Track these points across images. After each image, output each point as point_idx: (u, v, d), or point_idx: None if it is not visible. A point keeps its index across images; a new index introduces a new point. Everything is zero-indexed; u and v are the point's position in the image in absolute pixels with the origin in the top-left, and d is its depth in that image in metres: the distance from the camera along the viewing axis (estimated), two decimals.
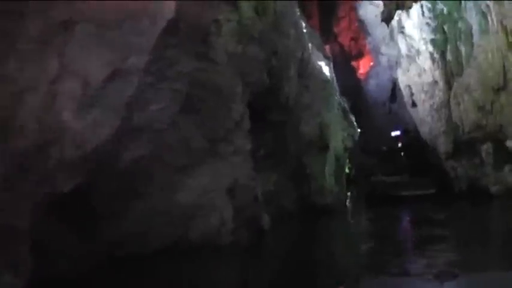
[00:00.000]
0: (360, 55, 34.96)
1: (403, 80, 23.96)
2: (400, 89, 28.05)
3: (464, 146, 20.11)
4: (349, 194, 23.34)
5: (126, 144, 8.84)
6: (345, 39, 35.92)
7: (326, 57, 22.51)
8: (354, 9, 33.23)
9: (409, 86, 23.33)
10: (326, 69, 20.73)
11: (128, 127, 8.75)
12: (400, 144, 31.11)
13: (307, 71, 18.64)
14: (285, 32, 16.99)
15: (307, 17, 26.37)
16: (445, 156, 21.05)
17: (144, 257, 9.65)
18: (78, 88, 7.89)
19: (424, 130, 23.26)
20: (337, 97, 20.89)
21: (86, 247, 9.09)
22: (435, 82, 20.99)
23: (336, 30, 35.80)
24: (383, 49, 27.94)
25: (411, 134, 28.38)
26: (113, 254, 9.49)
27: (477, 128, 19.15)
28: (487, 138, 19.09)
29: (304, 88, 18.07)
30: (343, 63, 34.87)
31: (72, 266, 8.50)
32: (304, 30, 20.33)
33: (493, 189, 19.13)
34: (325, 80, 19.43)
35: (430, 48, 20.80)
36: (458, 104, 19.61)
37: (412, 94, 23.32)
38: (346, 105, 23.13)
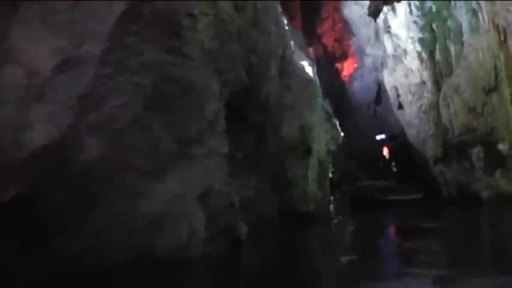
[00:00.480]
0: (344, 56, 34.07)
1: (389, 81, 23.05)
2: (385, 91, 27.22)
3: (453, 149, 19.21)
4: (332, 199, 22.38)
5: (79, 145, 7.63)
6: (328, 41, 35.00)
7: (309, 58, 21.53)
8: (338, 9, 32.38)
9: (396, 87, 22.42)
10: (309, 69, 19.74)
11: (81, 125, 7.56)
12: (385, 148, 30.38)
13: (288, 69, 17.61)
14: (265, 29, 16.03)
15: (290, 18, 25.41)
16: (434, 160, 20.14)
17: (104, 273, 8.46)
18: (22, 78, 6.78)
19: (411, 133, 22.36)
20: (321, 98, 19.89)
21: (36, 265, 7.87)
22: (423, 83, 20.09)
23: (319, 31, 34.88)
24: (368, 50, 27.09)
25: (397, 137, 27.59)
26: (68, 272, 8.27)
27: (467, 130, 18.25)
28: (478, 141, 18.19)
29: (285, 88, 17.06)
30: (327, 65, 33.97)
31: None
32: (286, 28, 19.40)
33: (484, 194, 18.25)
34: (308, 80, 18.40)
35: (418, 47, 19.91)
36: (448, 105, 18.70)
37: (398, 96, 22.42)
38: (329, 108, 22.40)
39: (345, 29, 31.45)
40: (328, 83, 28.19)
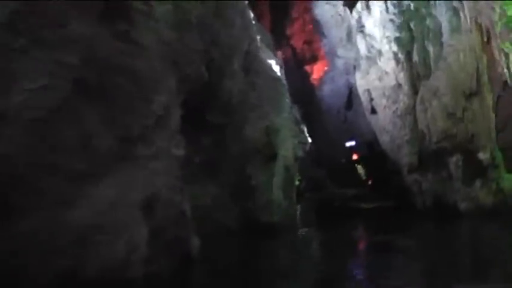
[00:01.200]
0: (313, 59, 32.62)
1: (361, 84, 21.70)
2: (357, 95, 25.93)
3: (430, 157, 17.91)
4: (298, 207, 20.90)
5: None
6: (297, 43, 33.52)
7: (277, 58, 20.09)
8: (308, 10, 31.02)
9: (369, 91, 21.08)
10: (277, 68, 18.24)
11: None
12: (354, 155, 29.18)
13: (254, 66, 16.05)
14: (228, 20, 14.70)
15: (258, 18, 23.94)
16: (408, 169, 18.82)
17: None
18: None
19: (384, 139, 21.04)
20: (288, 100, 18.37)
21: None
22: (399, 86, 18.79)
23: (288, 32, 33.36)
24: (339, 51, 25.78)
25: (368, 144, 26.37)
26: None
27: (446, 137, 16.98)
28: (457, 149, 16.94)
29: (250, 86, 15.50)
30: (296, 68, 32.53)
31: None
32: (253, 22, 17.93)
33: (462, 206, 16.97)
34: (275, 78, 16.85)
35: (394, 47, 18.61)
36: (425, 110, 17.42)
37: (371, 99, 21.09)
38: (297, 113, 21.11)
39: (316, 30, 30.09)
40: (297, 87, 26.94)
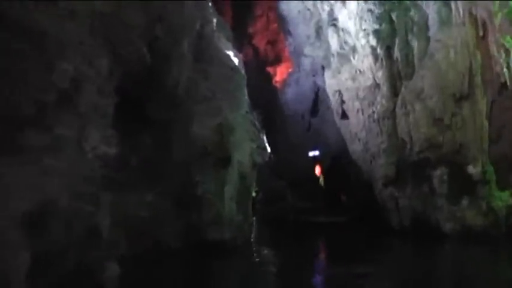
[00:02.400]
0: (277, 61, 30.11)
1: (331, 85, 19.20)
2: (324, 100, 23.56)
3: (410, 169, 15.43)
4: (254, 220, 18.29)
5: None
6: (260, 42, 30.95)
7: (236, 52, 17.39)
8: (273, 7, 28.45)
9: (339, 92, 18.61)
10: (235, 60, 15.54)
11: None
12: (317, 167, 26.75)
13: (207, 52, 13.37)
14: None
15: (218, 14, 21.35)
16: (384, 181, 16.31)
17: None
18: None
19: (355, 148, 18.57)
20: (246, 97, 15.65)
21: None
22: (376, 86, 16.33)
23: (250, 30, 30.76)
24: (306, 50, 23.25)
25: (335, 154, 23.99)
26: None
27: (430, 146, 14.53)
28: (442, 161, 14.53)
29: (201, 74, 12.82)
30: (257, 70, 29.96)
31: None
32: (210, 4, 15.37)
33: (447, 227, 14.58)
34: (232, 68, 14.15)
35: (373, 41, 16.13)
36: (407, 114, 14.95)
37: (342, 102, 18.62)
38: (256, 121, 18.59)
39: (281, 27, 27.47)
40: (257, 90, 24.44)
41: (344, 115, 18.56)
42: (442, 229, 14.61)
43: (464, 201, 14.36)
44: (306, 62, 24.22)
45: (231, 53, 15.54)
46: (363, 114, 17.10)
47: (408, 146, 15.07)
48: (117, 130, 10.56)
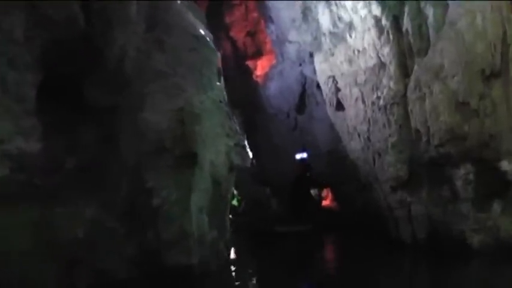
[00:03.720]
0: (258, 54, 26.94)
1: (322, 71, 16.13)
2: (312, 94, 20.50)
3: (426, 168, 12.38)
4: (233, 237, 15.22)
5: None
6: (239, 34, 27.73)
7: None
8: None
9: (333, 78, 15.53)
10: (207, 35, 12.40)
11: None
12: (307, 171, 23.72)
13: (166, 18, 10.19)
14: None
15: None
16: (393, 184, 13.21)
17: None
18: None
19: (353, 147, 15.48)
20: (221, 83, 12.52)
21: None
22: (381, 66, 13.23)
23: (227, 21, 27.54)
24: (291, 35, 20.10)
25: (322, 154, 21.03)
26: None
27: (452, 138, 11.43)
28: (467, 156, 11.46)
29: (156, 45, 9.65)
30: (236, 65, 26.85)
31: None
32: None
33: (474, 240, 11.55)
34: (198, 38, 10.96)
35: (376, 10, 13.01)
36: (422, 98, 11.87)
37: (337, 90, 15.51)
38: (235, 122, 15.63)
39: (261, 14, 24.33)
40: (236, 88, 21.48)
41: (339, 106, 15.48)
42: (467, 243, 11.56)
43: (496, 207, 11.39)
44: (291, 50, 21.10)
45: (199, 25, 12.41)
46: (363, 102, 14.03)
47: (424, 139, 11.96)
48: (41, 120, 7.99)
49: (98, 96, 8.90)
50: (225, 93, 12.60)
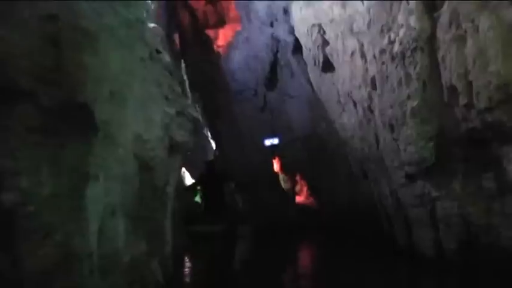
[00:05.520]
0: (220, 23, 22.61)
1: (304, 19, 11.97)
2: (286, 63, 16.36)
3: (462, 147, 8.33)
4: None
5: None
6: (198, 3, 23.38)
7: None
8: None
9: (319, 27, 11.37)
10: None
11: None
12: (276, 160, 19.78)
13: None
14: None
15: None
16: (410, 171, 9.11)
17: None
18: None
19: (346, 121, 11.38)
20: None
21: None
22: (390, 6, 9.12)
23: None
24: None
25: (302, 140, 17.00)
26: None
27: (506, 100, 7.37)
28: None
29: None
30: (195, 38, 22.60)
31: None
32: None
33: None
34: None
35: None
36: (461, 40, 7.79)
37: (324, 43, 11.36)
38: (197, 110, 12.04)
39: None
40: (194, 64, 17.68)
41: (327, 65, 11.32)
42: None
43: None
44: (260, 7, 16.90)
45: None
46: (363, 57, 9.89)
47: (462, 102, 7.88)
48: None
49: None
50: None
